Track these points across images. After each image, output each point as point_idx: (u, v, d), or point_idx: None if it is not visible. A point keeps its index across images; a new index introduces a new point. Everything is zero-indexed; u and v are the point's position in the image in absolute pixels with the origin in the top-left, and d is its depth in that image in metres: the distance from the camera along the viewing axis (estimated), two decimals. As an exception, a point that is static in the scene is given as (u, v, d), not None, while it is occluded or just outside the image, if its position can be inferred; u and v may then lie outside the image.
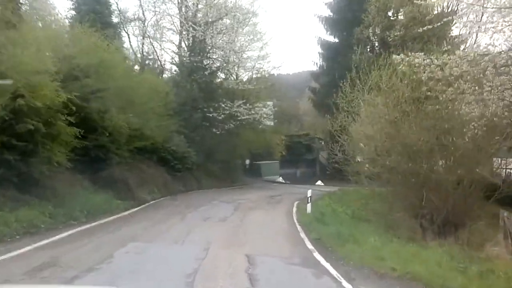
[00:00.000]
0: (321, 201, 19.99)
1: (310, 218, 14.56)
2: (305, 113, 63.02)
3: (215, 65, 29.07)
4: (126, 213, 14.25)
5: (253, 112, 29.96)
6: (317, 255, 9.31)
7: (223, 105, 27.59)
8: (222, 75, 30.59)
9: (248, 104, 29.58)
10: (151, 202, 17.56)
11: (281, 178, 38.29)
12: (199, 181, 25.63)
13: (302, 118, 65.18)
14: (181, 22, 28.76)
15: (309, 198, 16.87)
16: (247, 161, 39.61)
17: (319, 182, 39.85)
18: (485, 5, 8.17)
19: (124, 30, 29.44)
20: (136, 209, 15.31)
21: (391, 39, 27.11)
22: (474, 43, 17.44)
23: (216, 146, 30.11)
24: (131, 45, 29.59)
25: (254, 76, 33.93)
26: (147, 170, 19.84)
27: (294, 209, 17.86)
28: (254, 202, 19.79)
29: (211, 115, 27.02)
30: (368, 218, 14.85)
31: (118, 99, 16.18)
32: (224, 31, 28.88)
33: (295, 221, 14.77)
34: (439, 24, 10.46)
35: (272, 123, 39.19)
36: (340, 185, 38.94)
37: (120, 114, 15.91)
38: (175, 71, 30.96)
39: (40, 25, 16.15)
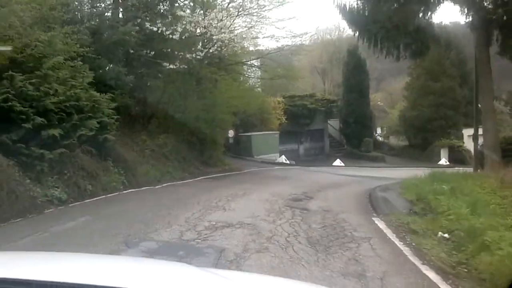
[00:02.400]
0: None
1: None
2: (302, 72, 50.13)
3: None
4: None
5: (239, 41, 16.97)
6: None
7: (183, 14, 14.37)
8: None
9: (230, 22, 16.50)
10: None
11: (284, 157, 25.48)
12: (135, 173, 12.64)
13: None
14: None
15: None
16: (231, 132, 26.63)
17: (338, 162, 27.19)
18: None
19: None
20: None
21: None
22: None
23: (177, 104, 17.20)
24: None
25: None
26: None
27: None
28: (266, 248, 6.37)
29: (157, 29, 13.88)
30: None
31: None
32: None
33: None
34: None
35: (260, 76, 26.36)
36: (366, 164, 26.15)
37: None
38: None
39: None
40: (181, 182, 13.92)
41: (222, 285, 1.60)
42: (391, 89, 53.68)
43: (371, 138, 34.19)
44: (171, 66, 15.80)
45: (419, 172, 28.40)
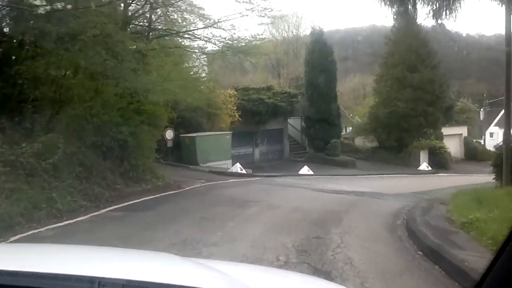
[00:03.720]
0: None
1: None
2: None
3: None
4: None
5: None
6: None
7: None
8: None
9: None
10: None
11: (239, 166, 19.40)
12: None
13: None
14: None
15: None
16: (169, 133, 20.43)
17: (305, 170, 21.60)
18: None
19: None
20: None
21: None
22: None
23: (76, 86, 10.91)
24: None
25: None
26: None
27: None
28: None
29: None
30: None
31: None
32: None
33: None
34: None
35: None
36: (337, 171, 23.83)
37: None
38: None
39: None
40: (54, 226, 7.52)
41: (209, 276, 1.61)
42: (355, 84, 49.09)
43: (338, 139, 28.88)
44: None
45: (411, 181, 22.53)
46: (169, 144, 20.71)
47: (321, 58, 28.33)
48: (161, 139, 20.73)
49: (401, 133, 28.77)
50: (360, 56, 65.55)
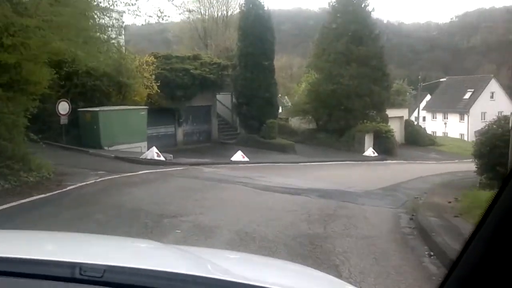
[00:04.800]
0: None
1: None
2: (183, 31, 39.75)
3: None
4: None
5: None
6: None
7: None
8: None
9: None
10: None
11: (155, 150, 14.83)
12: None
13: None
14: None
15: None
16: (63, 107, 15.56)
17: (239, 156, 17.66)
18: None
19: None
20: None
21: None
22: None
23: None
24: None
25: None
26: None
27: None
28: None
29: None
30: None
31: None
32: None
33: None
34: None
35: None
36: (276, 157, 20.22)
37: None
38: None
39: None
40: None
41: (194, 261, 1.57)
42: (282, 64, 46.07)
43: (275, 119, 25.10)
44: None
45: (365, 171, 19.11)
46: (63, 121, 15.73)
47: (257, 24, 24.20)
48: (52, 114, 15.78)
49: (344, 114, 25.58)
50: (285, 37, 62.67)
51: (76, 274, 1.17)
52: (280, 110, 33.14)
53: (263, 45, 24.00)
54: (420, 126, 35.18)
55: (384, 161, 22.83)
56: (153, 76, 20.53)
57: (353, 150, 24.70)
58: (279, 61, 45.08)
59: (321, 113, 26.72)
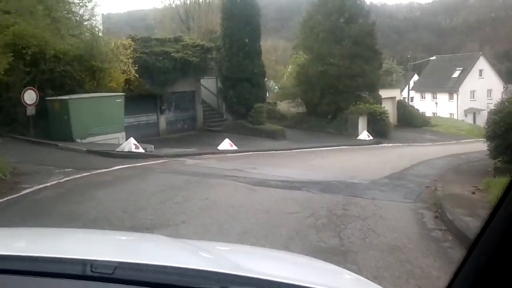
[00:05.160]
0: None
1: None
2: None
3: None
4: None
5: None
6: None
7: None
8: None
9: None
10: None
11: (132, 141, 13.33)
12: None
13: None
14: None
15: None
16: (29, 96, 13.99)
17: (226, 144, 16.32)
18: None
19: None
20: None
21: None
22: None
23: None
24: None
25: None
26: None
27: None
28: None
29: None
30: None
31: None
32: None
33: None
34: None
35: None
36: (266, 145, 19.04)
37: None
38: None
39: None
40: None
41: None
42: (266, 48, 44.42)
43: (263, 103, 23.66)
44: None
45: (364, 156, 18.10)
46: (30, 112, 14.14)
47: (241, 2, 22.60)
48: (18, 104, 14.22)
49: (336, 96, 24.24)
50: (268, 22, 61.30)
51: (87, 271, 1.17)
52: (267, 95, 31.68)
53: (249, 26, 22.45)
54: (413, 107, 33.94)
55: (380, 145, 21.64)
56: (131, 60, 18.94)
57: (346, 134, 23.44)
58: (264, 45, 43.52)
59: (311, 96, 25.34)
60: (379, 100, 25.15)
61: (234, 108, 23.47)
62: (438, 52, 62.49)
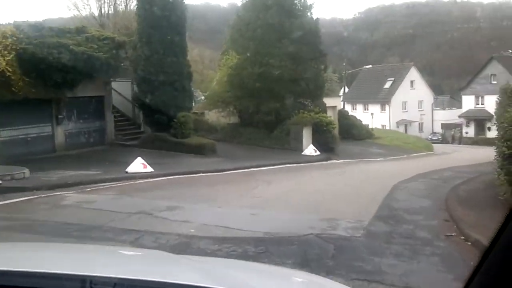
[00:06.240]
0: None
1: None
2: None
3: None
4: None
5: None
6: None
7: None
8: None
9: None
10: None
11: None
12: None
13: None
14: None
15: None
16: None
17: (138, 165, 11.80)
18: None
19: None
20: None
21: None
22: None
23: None
24: None
25: None
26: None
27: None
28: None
29: None
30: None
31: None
32: None
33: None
34: None
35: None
36: (191, 165, 14.89)
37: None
38: None
39: None
40: None
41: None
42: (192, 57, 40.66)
43: (189, 112, 19.51)
44: None
45: (324, 177, 15.56)
46: None
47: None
48: None
49: (275, 103, 20.66)
50: (194, 33, 58.25)
51: None
52: (193, 104, 27.53)
53: (172, 17, 18.30)
54: (355, 117, 31.27)
55: (330, 161, 18.32)
56: (11, 54, 14.18)
57: (289, 149, 19.89)
58: (190, 53, 39.78)
59: (246, 103, 21.55)
60: (324, 108, 21.91)
61: (154, 117, 19.01)
62: (362, 65, 61.68)
